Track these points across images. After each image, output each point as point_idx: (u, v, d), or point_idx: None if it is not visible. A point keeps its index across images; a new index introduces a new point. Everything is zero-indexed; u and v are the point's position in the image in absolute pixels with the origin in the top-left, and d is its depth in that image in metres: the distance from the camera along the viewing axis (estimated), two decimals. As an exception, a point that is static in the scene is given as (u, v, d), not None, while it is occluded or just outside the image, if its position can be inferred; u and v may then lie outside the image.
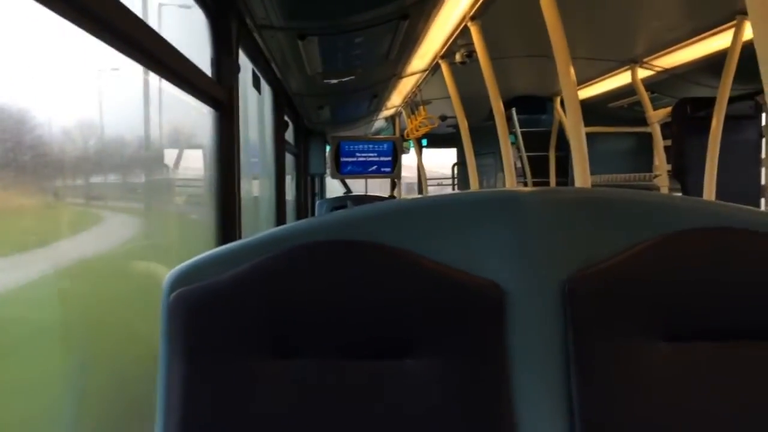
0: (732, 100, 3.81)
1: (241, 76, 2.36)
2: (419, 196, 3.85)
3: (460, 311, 0.82)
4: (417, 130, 6.29)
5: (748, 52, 1.95)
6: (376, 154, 6.67)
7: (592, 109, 2.60)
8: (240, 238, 1.77)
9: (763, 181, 4.67)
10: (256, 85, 3.42)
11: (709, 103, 4.01)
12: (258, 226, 3.59)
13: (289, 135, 5.00)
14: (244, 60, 2.69)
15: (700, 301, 0.84)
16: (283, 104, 4.31)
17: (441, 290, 0.82)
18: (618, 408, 0.81)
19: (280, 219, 4.30)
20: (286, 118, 4.49)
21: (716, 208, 0.87)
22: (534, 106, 6.21)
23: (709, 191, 3.73)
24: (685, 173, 4.43)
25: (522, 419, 0.81)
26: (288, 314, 0.82)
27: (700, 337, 0.84)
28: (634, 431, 0.80)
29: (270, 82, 3.88)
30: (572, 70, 2.51)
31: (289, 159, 5.16)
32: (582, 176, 2.67)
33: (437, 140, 8.66)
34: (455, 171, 8.72)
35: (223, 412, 0.80)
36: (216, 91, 2.09)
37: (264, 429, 0.80)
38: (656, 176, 4.64)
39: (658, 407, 0.81)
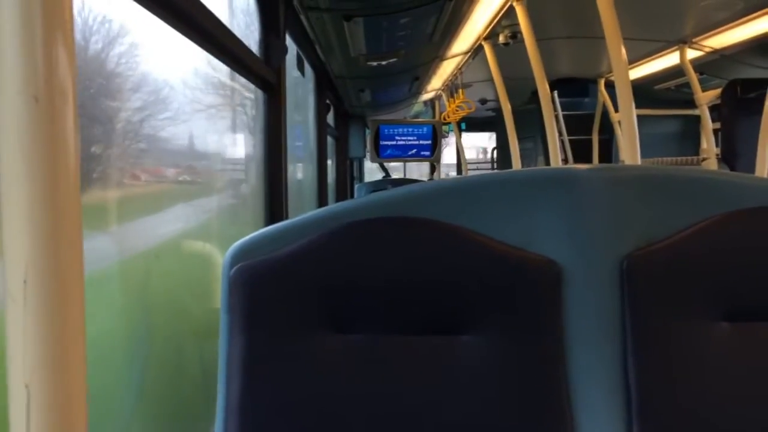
0: (785, 80, 3.70)
1: (286, 58, 2.36)
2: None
3: (517, 288, 0.81)
4: (455, 113, 6.23)
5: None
6: (415, 138, 6.62)
7: (637, 92, 2.54)
8: (287, 218, 1.80)
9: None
10: (300, 67, 3.43)
11: (761, 84, 3.90)
12: (302, 208, 3.61)
13: (329, 119, 5.00)
14: (288, 43, 2.69)
15: (761, 281, 0.82)
16: (325, 87, 4.31)
17: (497, 266, 0.82)
18: (675, 387, 0.80)
19: (322, 202, 4.32)
20: (327, 101, 4.49)
21: None
22: (576, 89, 6.09)
23: (761, 175, 3.63)
24: (735, 157, 4.32)
25: (577, 396, 0.80)
26: (344, 289, 0.82)
27: (760, 317, 0.82)
28: (690, 411, 0.79)
29: (313, 65, 3.88)
30: (623, 51, 2.45)
31: (329, 143, 5.17)
32: (631, 160, 2.61)
33: (475, 124, 8.59)
34: (494, 155, 8.66)
35: (281, 383, 0.81)
36: (265, 73, 2.10)
37: (320, 401, 0.81)
38: (704, 160, 4.53)
39: (716, 387, 0.80)
